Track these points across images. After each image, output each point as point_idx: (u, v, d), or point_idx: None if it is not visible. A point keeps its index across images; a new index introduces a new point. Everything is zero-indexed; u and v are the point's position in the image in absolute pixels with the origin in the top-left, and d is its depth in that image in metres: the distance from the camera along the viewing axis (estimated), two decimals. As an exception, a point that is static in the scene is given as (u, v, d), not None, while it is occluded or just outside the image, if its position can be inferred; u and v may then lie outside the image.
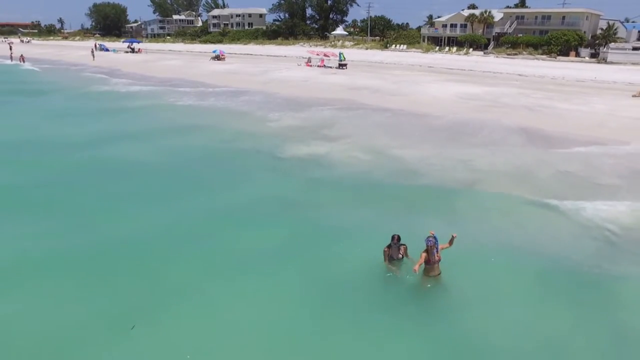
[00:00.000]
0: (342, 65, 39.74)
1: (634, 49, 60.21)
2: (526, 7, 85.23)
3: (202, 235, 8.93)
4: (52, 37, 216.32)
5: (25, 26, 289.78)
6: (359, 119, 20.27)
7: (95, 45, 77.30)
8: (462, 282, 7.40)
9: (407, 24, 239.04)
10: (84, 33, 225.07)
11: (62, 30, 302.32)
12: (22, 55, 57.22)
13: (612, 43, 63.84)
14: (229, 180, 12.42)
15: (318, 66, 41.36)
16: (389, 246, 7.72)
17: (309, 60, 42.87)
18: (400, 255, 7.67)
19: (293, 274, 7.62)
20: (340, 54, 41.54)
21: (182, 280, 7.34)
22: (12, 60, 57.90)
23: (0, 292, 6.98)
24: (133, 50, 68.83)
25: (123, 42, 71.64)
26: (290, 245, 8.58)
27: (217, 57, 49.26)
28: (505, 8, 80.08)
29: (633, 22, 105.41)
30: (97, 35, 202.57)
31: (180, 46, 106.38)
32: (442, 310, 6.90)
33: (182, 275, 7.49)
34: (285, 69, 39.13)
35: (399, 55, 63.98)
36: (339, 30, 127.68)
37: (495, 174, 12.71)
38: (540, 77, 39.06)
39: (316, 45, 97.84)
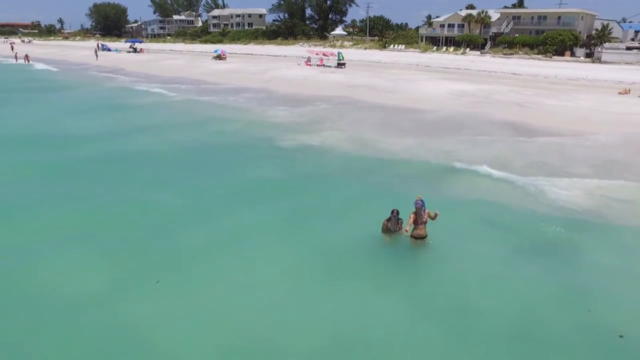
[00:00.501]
0: (340, 65, 40.93)
1: (628, 48, 61.47)
2: (523, 7, 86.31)
3: (215, 208, 10.12)
4: (52, 37, 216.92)
5: (25, 26, 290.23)
6: (354, 113, 21.45)
7: (98, 45, 78.44)
8: (443, 244, 8.55)
9: (406, 23, 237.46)
10: (84, 33, 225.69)
11: (62, 31, 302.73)
12: (26, 55, 58.30)
13: (607, 43, 65.02)
14: (235, 164, 13.67)
15: (317, 65, 42.51)
16: (389, 219, 8.76)
17: (309, 59, 44.03)
18: (398, 228, 8.71)
19: (297, 238, 8.78)
20: (339, 53, 42.75)
21: (199, 246, 8.49)
22: (16, 60, 58.94)
23: (51, 253, 8.13)
24: (135, 50, 69.97)
25: (125, 42, 72.48)
26: (292, 216, 9.76)
27: (219, 57, 50.43)
28: (502, 8, 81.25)
29: (630, 22, 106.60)
30: (98, 35, 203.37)
31: (180, 46, 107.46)
32: (427, 268, 8.06)
33: (199, 241, 8.63)
34: (285, 68, 40.28)
35: (397, 55, 65.15)
36: (338, 30, 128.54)
37: (473, 156, 13.95)
38: (534, 75, 40.24)
39: (315, 45, 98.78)
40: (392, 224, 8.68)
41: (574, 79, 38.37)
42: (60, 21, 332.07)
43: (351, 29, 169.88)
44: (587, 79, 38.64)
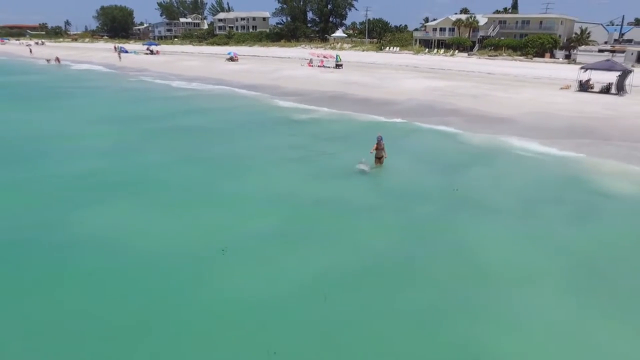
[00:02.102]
0: (338, 66, 48.07)
1: (600, 51, 68.32)
2: (508, 12, 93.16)
3: (253, 156, 17.12)
4: (61, 39, 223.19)
5: (33, 28, 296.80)
6: (344, 101, 28.59)
7: (115, 48, 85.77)
8: (390, 171, 15.54)
9: (406, 25, 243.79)
10: (92, 34, 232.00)
11: (69, 32, 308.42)
12: (57, 58, 65.48)
13: (583, 46, 72.01)
14: (265, 130, 20.79)
15: (318, 66, 49.59)
16: (378, 142, 15.52)
17: (311, 61, 51.11)
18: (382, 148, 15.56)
19: (301, 169, 15.78)
20: (337, 55, 49.88)
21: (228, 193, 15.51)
22: (48, 62, 66.05)
23: (127, 211, 15.13)
24: (152, 52, 77.13)
25: (143, 44, 79.57)
26: (297, 157, 16.80)
27: (231, 59, 57.59)
28: (489, 13, 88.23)
29: (618, 24, 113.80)
30: (106, 37, 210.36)
31: (190, 48, 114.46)
32: (382, 183, 15.03)
33: (229, 190, 15.64)
34: (291, 69, 47.42)
35: (391, 57, 72.20)
36: (339, 33, 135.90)
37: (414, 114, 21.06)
38: (504, 75, 47.16)
39: (317, 48, 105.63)
40: (379, 146, 15.57)
41: (538, 77, 45.21)
42: (67, 23, 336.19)
43: (351, 31, 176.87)
44: (549, 77, 45.52)
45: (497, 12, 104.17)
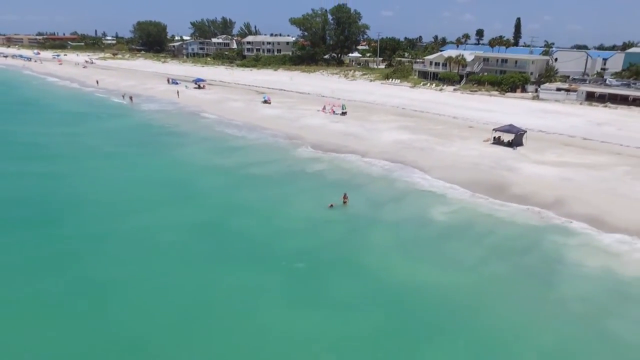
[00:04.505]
0: (343, 113, 68.42)
1: (557, 89, 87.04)
2: (490, 52, 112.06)
3: (270, 185, 37.60)
4: (101, 53, 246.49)
5: (72, 39, 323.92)
6: (341, 151, 48.98)
7: (169, 80, 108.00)
8: (351, 206, 35.76)
9: (420, 37, 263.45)
10: (128, 47, 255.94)
11: (104, 41, 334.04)
12: (130, 97, 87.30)
13: (545, 84, 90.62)
14: (290, 175, 41.23)
15: (329, 112, 70.01)
16: (344, 195, 35.76)
17: (324, 107, 71.59)
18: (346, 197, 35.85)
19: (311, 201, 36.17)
20: (343, 105, 70.29)
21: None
22: (123, 98, 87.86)
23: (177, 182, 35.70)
24: (199, 87, 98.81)
25: (193, 80, 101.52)
26: (300, 189, 37.21)
27: (266, 102, 78.65)
28: (476, 52, 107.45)
29: (607, 50, 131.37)
30: (143, 51, 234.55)
31: (224, 72, 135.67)
32: (345, 211, 35.26)
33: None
34: (310, 115, 68.06)
35: (390, 93, 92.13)
36: (354, 53, 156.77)
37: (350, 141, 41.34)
38: (465, 119, 66.70)
39: (332, 74, 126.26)
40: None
41: (487, 122, 64.38)
42: (104, 35, 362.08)
43: (366, 46, 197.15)
44: (496, 122, 64.69)
45: (493, 39, 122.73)
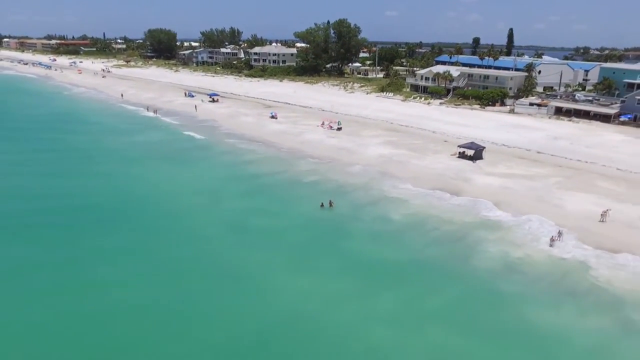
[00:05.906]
0: (339, 129, 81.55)
1: (530, 104, 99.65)
2: (474, 68, 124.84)
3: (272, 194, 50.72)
4: (114, 59, 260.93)
5: (84, 44, 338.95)
6: (334, 164, 61.97)
7: (185, 93, 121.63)
8: (336, 209, 48.81)
9: (420, 42, 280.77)
10: (139, 53, 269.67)
11: (114, 46, 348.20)
12: (155, 110, 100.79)
13: (521, 99, 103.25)
14: (295, 183, 54.28)
15: (327, 127, 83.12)
16: (330, 202, 48.76)
17: (323, 123, 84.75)
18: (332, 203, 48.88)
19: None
20: (339, 121, 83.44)
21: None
22: (147, 110, 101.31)
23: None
24: (214, 100, 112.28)
25: (208, 94, 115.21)
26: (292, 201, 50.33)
27: (273, 117, 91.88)
28: (461, 68, 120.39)
29: (587, 61, 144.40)
30: (154, 58, 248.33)
31: (234, 83, 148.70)
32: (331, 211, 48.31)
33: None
34: (311, 132, 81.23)
35: (382, 107, 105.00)
36: (355, 63, 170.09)
37: (360, 176, 54.47)
38: (442, 133, 79.48)
39: (333, 85, 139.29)
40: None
41: (459, 137, 77.11)
42: (115, 42, 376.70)
43: (367, 54, 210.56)
44: (467, 137, 77.48)
45: (482, 52, 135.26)
